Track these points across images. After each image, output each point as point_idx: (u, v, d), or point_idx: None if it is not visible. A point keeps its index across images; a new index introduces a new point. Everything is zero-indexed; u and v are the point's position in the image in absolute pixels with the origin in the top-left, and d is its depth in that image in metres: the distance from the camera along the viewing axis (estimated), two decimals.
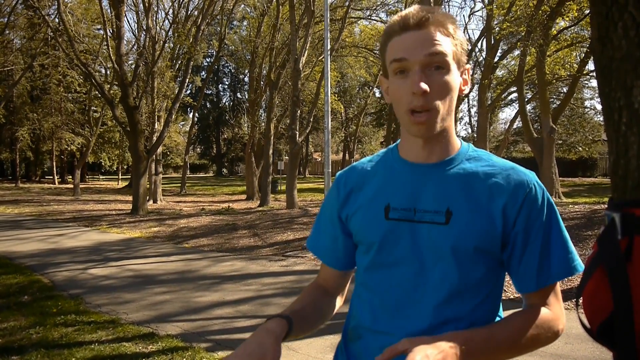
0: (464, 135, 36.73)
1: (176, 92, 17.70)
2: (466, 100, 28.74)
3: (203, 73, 39.71)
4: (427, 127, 1.02)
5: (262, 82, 21.54)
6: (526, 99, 19.30)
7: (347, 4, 19.08)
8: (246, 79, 39.20)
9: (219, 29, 23.25)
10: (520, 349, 1.01)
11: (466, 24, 29.34)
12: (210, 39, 30.46)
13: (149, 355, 3.99)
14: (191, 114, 35.09)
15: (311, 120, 18.87)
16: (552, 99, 25.73)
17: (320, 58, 19.51)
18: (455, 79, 1.03)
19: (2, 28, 23.44)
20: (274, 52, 19.52)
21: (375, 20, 24.38)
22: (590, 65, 17.29)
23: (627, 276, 0.85)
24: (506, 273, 1.09)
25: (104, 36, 17.18)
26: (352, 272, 1.25)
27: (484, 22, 18.68)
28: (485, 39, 18.60)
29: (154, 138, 18.11)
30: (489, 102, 18.18)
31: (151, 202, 19.43)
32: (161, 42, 18.12)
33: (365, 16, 23.55)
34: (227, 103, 51.92)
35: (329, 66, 11.42)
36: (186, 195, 25.48)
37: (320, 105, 19.67)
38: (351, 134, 41.52)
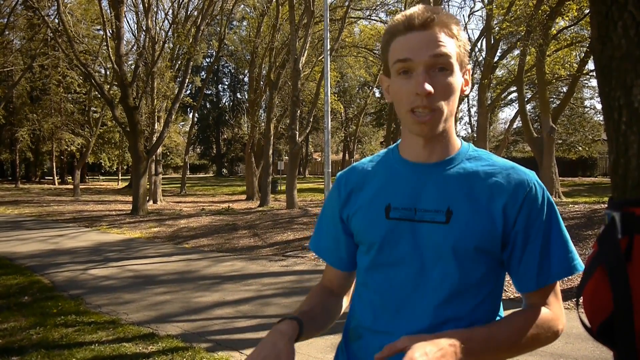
0: (464, 135, 36.74)
1: (176, 92, 17.70)
2: (466, 100, 28.75)
3: (203, 73, 39.73)
4: (430, 127, 1.02)
5: (261, 82, 21.54)
6: (526, 99, 19.31)
7: (346, 4, 19.09)
8: (246, 79, 39.23)
9: (218, 29, 23.25)
10: (520, 349, 1.01)
11: (466, 24, 29.34)
12: (210, 39, 30.48)
13: (149, 355, 3.99)
14: (191, 114, 35.11)
15: (311, 120, 18.86)
16: (552, 99, 25.74)
17: (320, 58, 19.51)
18: (458, 80, 1.04)
19: (1, 29, 23.44)
20: (274, 52, 19.52)
21: (375, 20, 24.40)
22: (590, 65, 17.29)
23: (627, 275, 0.85)
24: (506, 273, 1.09)
25: (104, 37, 17.18)
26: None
27: (484, 22, 18.69)
28: (485, 39, 18.61)
29: (154, 138, 18.11)
30: (488, 102, 18.18)
31: (151, 202, 19.43)
32: (161, 42, 18.12)
33: (365, 16, 23.57)
34: (227, 103, 51.94)
35: (328, 66, 11.42)
36: (186, 195, 25.48)
37: (320, 105, 19.67)
38: (351, 134, 41.52)
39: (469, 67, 1.10)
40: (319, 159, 50.34)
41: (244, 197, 22.67)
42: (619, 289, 0.85)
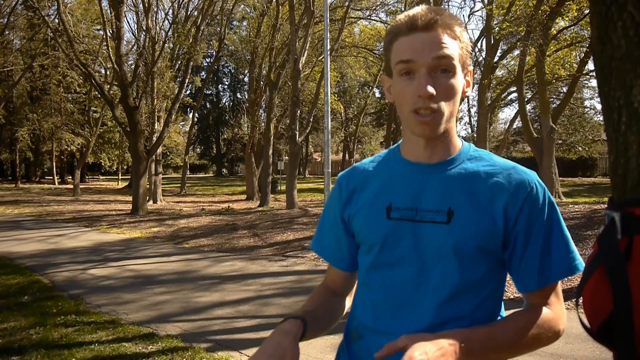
0: (464, 135, 36.75)
1: (176, 92, 17.71)
2: (466, 100, 28.76)
3: (203, 73, 39.70)
4: (432, 128, 1.02)
5: (262, 82, 21.54)
6: (526, 99, 19.31)
7: (346, 4, 19.09)
8: (246, 79, 39.22)
9: (218, 29, 23.23)
10: (521, 349, 1.01)
11: (466, 24, 29.35)
12: (210, 39, 30.44)
13: (149, 355, 3.99)
14: (191, 114, 35.10)
15: (311, 120, 18.86)
16: (552, 99, 25.74)
17: (320, 58, 19.50)
18: (460, 82, 1.04)
19: (2, 28, 23.43)
20: (274, 53, 19.52)
21: (375, 20, 24.40)
22: (590, 65, 17.29)
23: (627, 276, 0.85)
24: (507, 272, 1.09)
25: (104, 36, 17.18)
26: None
27: (484, 22, 18.68)
28: (485, 39, 18.59)
29: (154, 138, 18.11)
30: (488, 102, 18.17)
31: (151, 202, 19.43)
32: (161, 42, 18.11)
33: (365, 16, 23.56)
34: (227, 103, 51.92)
35: (328, 66, 11.42)
36: (186, 195, 25.48)
37: (320, 106, 19.67)
38: (351, 134, 41.52)
39: (471, 68, 1.10)
40: (319, 159, 50.33)
41: (244, 197, 22.67)
42: (618, 289, 0.85)
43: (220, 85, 52.88)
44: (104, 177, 48.37)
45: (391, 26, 1.07)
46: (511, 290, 5.15)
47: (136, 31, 22.24)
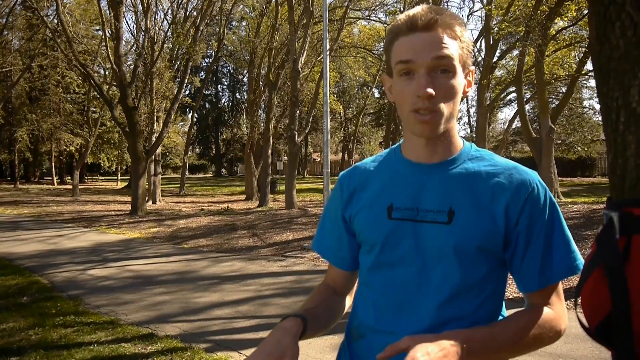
0: (463, 135, 36.72)
1: (175, 92, 17.70)
2: (465, 100, 28.78)
3: (202, 73, 39.70)
4: (432, 128, 1.02)
5: (261, 83, 21.53)
6: (525, 99, 19.31)
7: (345, 4, 19.08)
8: (245, 79, 39.24)
9: (217, 29, 23.20)
10: (522, 349, 1.01)
11: (465, 24, 29.34)
12: (209, 39, 30.45)
13: (148, 356, 3.99)
14: (190, 114, 35.05)
15: (310, 120, 18.87)
16: (551, 99, 25.77)
17: (319, 58, 19.51)
18: (460, 82, 1.03)
19: (0, 29, 23.41)
20: (273, 53, 19.52)
21: (374, 20, 24.42)
22: (589, 65, 17.29)
23: (625, 276, 0.85)
24: (508, 272, 1.09)
25: (103, 37, 17.15)
26: None
27: (483, 23, 18.71)
28: (484, 39, 18.61)
29: (153, 138, 18.11)
30: (487, 102, 18.18)
31: (150, 202, 19.42)
32: (160, 42, 18.10)
33: (364, 16, 23.56)
34: (226, 103, 51.89)
35: (327, 66, 11.42)
36: (185, 195, 25.47)
37: (319, 106, 19.66)
38: (350, 134, 41.55)
39: (472, 67, 1.09)
40: (318, 159, 50.33)
41: (243, 197, 22.66)
42: (617, 289, 0.85)
43: (219, 85, 52.89)
44: (103, 178, 48.34)
45: (391, 26, 1.07)
46: (510, 290, 5.15)
47: (135, 31, 22.29)
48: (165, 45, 19.10)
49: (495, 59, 19.08)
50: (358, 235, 1.15)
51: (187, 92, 36.09)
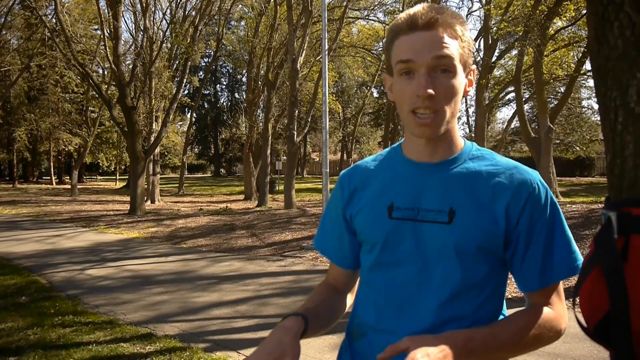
0: (462, 135, 36.72)
1: (174, 92, 17.68)
2: (464, 99, 28.79)
3: (201, 73, 39.69)
4: (432, 130, 1.02)
5: (259, 82, 21.52)
6: (524, 99, 19.32)
7: (344, 4, 19.08)
8: (244, 79, 39.24)
9: (216, 29, 23.19)
10: (523, 348, 1.01)
11: None
12: (208, 39, 30.43)
13: (147, 355, 3.99)
14: (189, 114, 35.04)
15: (309, 120, 18.86)
16: (550, 99, 25.79)
17: (318, 58, 19.51)
18: (461, 81, 1.03)
19: None
20: (272, 52, 19.50)
21: (373, 20, 24.41)
22: (588, 65, 17.29)
23: (624, 275, 0.85)
24: (508, 272, 1.09)
25: (102, 36, 17.10)
26: None
27: (482, 22, 18.72)
28: (482, 39, 18.61)
29: (152, 138, 18.09)
30: (486, 102, 18.19)
31: (149, 202, 19.40)
32: (159, 42, 18.08)
33: (363, 16, 23.56)
34: (224, 103, 51.82)
35: (326, 66, 11.41)
36: (184, 195, 25.45)
37: (318, 105, 19.68)
38: (349, 134, 41.53)
39: (474, 67, 1.09)
40: (317, 159, 50.35)
41: (242, 197, 22.65)
42: (615, 289, 0.85)
43: (218, 85, 52.88)
44: (101, 177, 48.29)
45: (392, 24, 1.06)
46: (510, 289, 5.16)
47: (134, 31, 22.18)
48: (164, 44, 19.07)
49: (494, 58, 19.10)
50: (359, 234, 1.15)
51: (186, 91, 36.10)
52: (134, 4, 20.04)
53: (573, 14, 14.17)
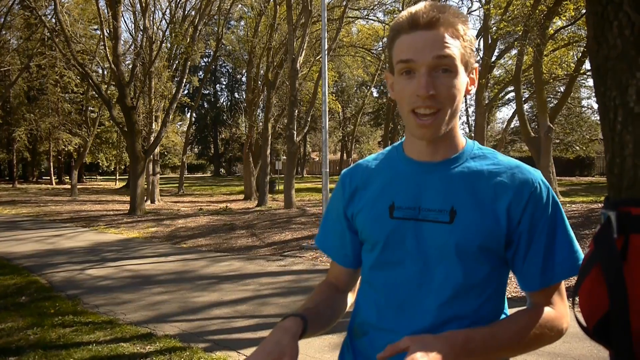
0: (462, 134, 36.69)
1: (174, 92, 17.68)
2: (464, 99, 28.77)
3: (200, 73, 39.68)
4: (432, 132, 1.01)
5: (259, 82, 21.52)
6: (523, 99, 19.32)
7: (344, 3, 19.07)
8: (244, 78, 39.24)
9: (216, 28, 23.17)
10: (523, 348, 1.01)
11: None
12: (208, 38, 30.42)
13: (146, 355, 3.99)
14: (189, 114, 35.01)
15: (309, 120, 18.85)
16: (550, 98, 25.76)
17: (317, 58, 19.50)
18: (462, 81, 1.02)
19: None
20: (272, 52, 19.50)
21: (372, 20, 24.40)
22: (588, 65, 17.31)
23: (623, 275, 0.85)
24: (509, 271, 1.09)
25: (101, 36, 17.08)
26: None
27: (481, 22, 18.71)
28: (482, 39, 18.61)
29: (152, 138, 18.07)
30: (486, 102, 18.19)
31: (149, 202, 19.40)
32: (158, 42, 18.07)
33: (362, 16, 23.55)
34: (224, 103, 51.80)
35: (326, 66, 11.41)
36: (184, 195, 25.45)
37: (318, 105, 19.68)
38: (349, 134, 41.51)
39: (476, 66, 1.08)
40: (317, 159, 50.33)
41: (241, 197, 22.65)
42: (614, 288, 0.85)
43: (217, 85, 52.88)
44: (101, 177, 48.28)
45: (394, 23, 1.06)
46: (510, 289, 5.16)
47: (133, 31, 22.19)
48: (164, 44, 19.07)
49: (493, 58, 19.09)
50: (360, 233, 1.15)
51: (186, 91, 36.11)
52: (133, 3, 20.05)
53: (573, 13, 14.16)
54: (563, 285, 1.07)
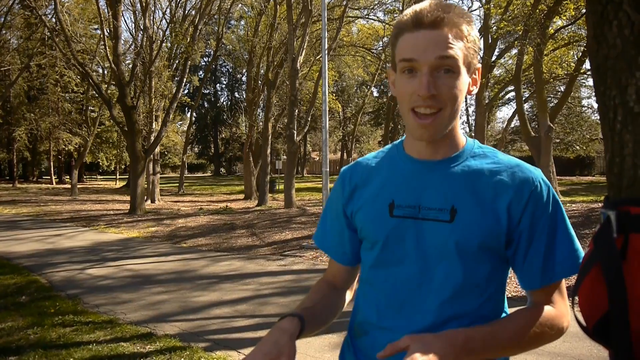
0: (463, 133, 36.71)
1: (174, 91, 17.68)
2: (464, 99, 28.78)
3: (201, 72, 39.68)
4: (432, 133, 1.01)
5: (259, 82, 21.52)
6: (524, 98, 19.31)
7: (344, 3, 19.07)
8: (244, 78, 39.23)
9: (216, 28, 23.18)
10: (523, 347, 1.01)
11: None
12: (208, 38, 30.42)
13: (146, 355, 3.99)
14: (189, 113, 35.04)
15: (309, 119, 18.85)
16: (550, 98, 25.76)
17: (317, 57, 19.49)
18: (464, 82, 1.02)
19: None
20: (272, 52, 19.50)
21: (372, 19, 24.39)
22: (588, 64, 17.30)
23: (623, 274, 0.85)
24: (509, 270, 1.09)
25: (101, 36, 17.08)
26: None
27: (482, 21, 18.69)
28: (482, 38, 18.60)
29: (152, 138, 18.08)
30: (486, 101, 18.19)
31: (149, 202, 19.40)
32: (158, 41, 18.07)
33: (362, 15, 23.54)
34: (224, 102, 51.83)
35: (326, 65, 11.41)
36: (184, 195, 25.45)
37: (318, 105, 19.68)
38: (349, 133, 41.52)
39: (479, 66, 1.07)
40: (317, 159, 50.32)
41: (242, 196, 22.65)
42: (614, 288, 0.85)
43: (218, 84, 52.89)
44: (101, 177, 48.31)
45: (398, 20, 1.05)
46: (510, 288, 5.16)
47: (134, 30, 22.19)
48: (164, 44, 19.07)
49: (493, 57, 19.08)
50: (359, 231, 1.15)
51: (186, 91, 36.11)
52: (133, 3, 20.03)
53: (573, 13, 14.16)
54: (564, 283, 1.07)
